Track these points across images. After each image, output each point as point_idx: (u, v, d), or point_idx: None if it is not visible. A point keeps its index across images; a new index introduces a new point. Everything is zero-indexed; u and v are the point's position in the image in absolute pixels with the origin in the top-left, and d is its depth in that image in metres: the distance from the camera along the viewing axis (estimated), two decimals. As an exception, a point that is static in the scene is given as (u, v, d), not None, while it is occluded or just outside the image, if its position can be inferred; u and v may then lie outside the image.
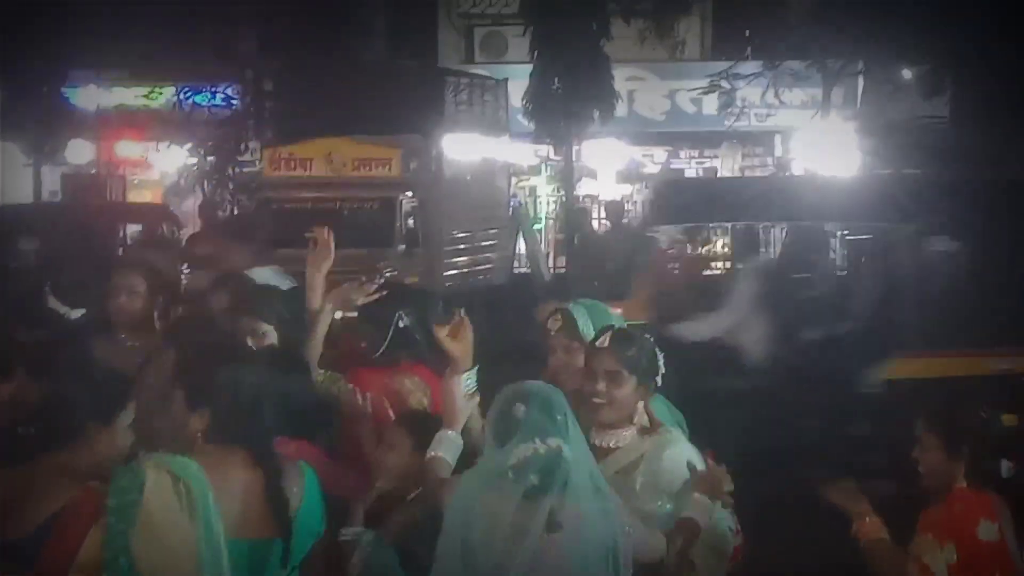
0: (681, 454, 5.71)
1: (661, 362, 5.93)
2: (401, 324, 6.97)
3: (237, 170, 25.78)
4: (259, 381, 4.81)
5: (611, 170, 29.39)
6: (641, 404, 5.83)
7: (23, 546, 4.19)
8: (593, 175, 28.86)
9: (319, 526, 4.86)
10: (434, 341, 6.20)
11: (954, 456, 5.40)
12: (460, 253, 23.11)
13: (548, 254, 27.71)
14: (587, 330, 6.21)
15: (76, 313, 8.16)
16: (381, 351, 6.97)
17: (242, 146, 26.09)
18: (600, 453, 5.68)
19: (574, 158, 26.03)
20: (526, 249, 25.64)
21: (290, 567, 4.75)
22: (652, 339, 6.03)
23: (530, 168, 29.47)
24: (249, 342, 6.63)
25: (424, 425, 6.10)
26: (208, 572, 4.29)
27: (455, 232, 22.95)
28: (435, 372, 6.59)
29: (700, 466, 5.65)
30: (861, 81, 27.12)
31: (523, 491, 5.07)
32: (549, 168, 29.17)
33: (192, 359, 4.86)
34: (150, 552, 4.27)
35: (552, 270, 26.12)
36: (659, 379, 5.91)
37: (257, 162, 24.38)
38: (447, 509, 5.19)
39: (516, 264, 25.88)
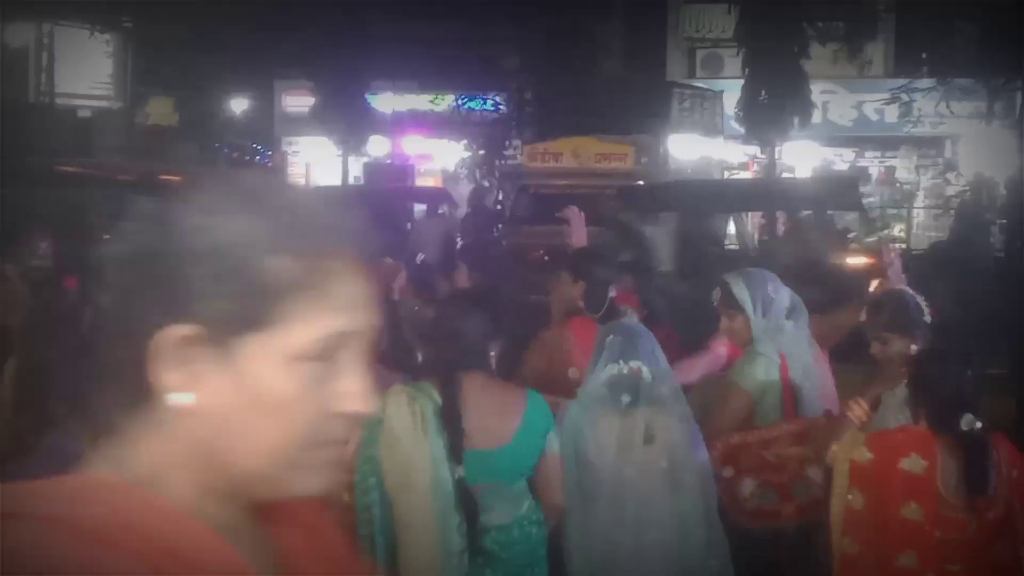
0: None
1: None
2: (611, 295, 6.66)
3: (502, 162, 26.09)
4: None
5: (807, 167, 29.15)
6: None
7: None
8: (792, 171, 28.67)
9: (540, 443, 4.82)
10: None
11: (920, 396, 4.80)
12: None
13: (754, 234, 27.56)
14: (743, 297, 5.97)
15: None
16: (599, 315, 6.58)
17: (506, 143, 26.44)
18: None
19: (776, 157, 25.82)
20: (735, 229, 25.45)
21: (522, 472, 4.84)
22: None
23: (739, 164, 29.34)
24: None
25: None
26: (439, 472, 4.45)
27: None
28: None
29: None
30: (1020, 96, 26.52)
31: (620, 409, 5.05)
32: (756, 165, 29.01)
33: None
34: (392, 457, 4.43)
35: (757, 247, 25.96)
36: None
37: (518, 156, 24.47)
38: (561, 433, 5.02)
39: (727, 243, 25.53)
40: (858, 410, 5.05)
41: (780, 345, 5.90)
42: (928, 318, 5.80)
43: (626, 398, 5.08)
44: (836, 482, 4.78)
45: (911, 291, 5.96)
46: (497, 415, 4.76)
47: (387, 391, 4.53)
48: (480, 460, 4.61)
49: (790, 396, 5.90)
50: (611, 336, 5.21)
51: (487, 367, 4.84)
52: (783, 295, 5.98)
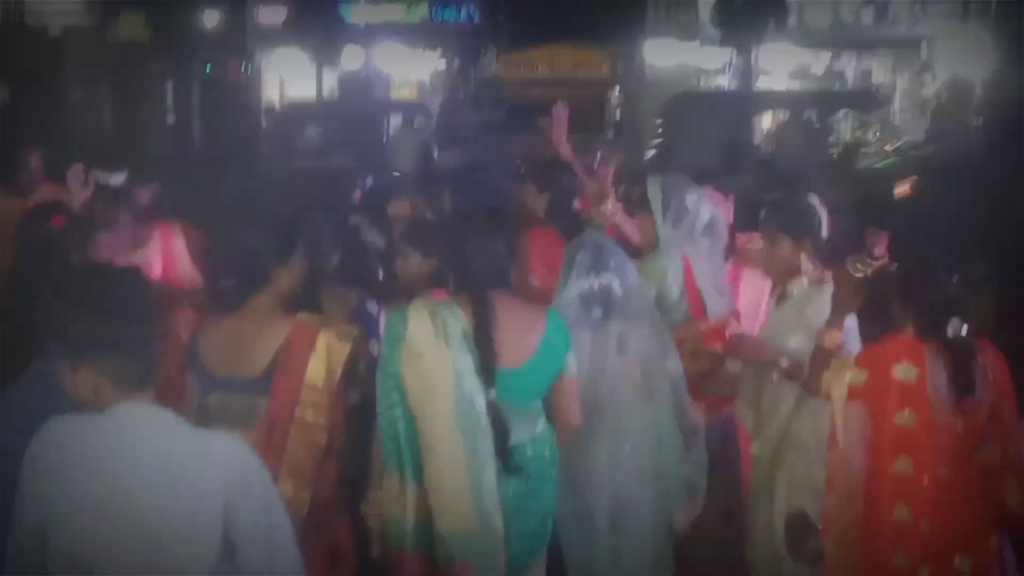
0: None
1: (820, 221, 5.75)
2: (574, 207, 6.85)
3: (476, 72, 25.90)
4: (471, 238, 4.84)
5: (784, 71, 29.07)
6: (804, 255, 5.60)
7: None
8: (768, 74, 28.60)
9: (558, 363, 4.83)
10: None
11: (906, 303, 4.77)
12: (658, 137, 22.99)
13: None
14: (655, 200, 6.06)
15: (118, 178, 7.60)
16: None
17: (481, 52, 26.19)
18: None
19: (753, 61, 25.78)
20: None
21: (538, 391, 4.85)
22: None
23: (716, 69, 29.27)
24: None
25: None
26: (462, 386, 4.48)
27: (654, 120, 22.85)
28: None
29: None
30: (995, -7, 26.45)
31: (592, 322, 5.10)
32: (731, 69, 28.94)
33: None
34: (413, 372, 4.45)
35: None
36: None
37: (493, 66, 24.49)
38: None
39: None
40: (832, 338, 5.01)
41: (686, 251, 5.99)
42: (825, 232, 5.79)
43: (598, 312, 5.13)
44: (836, 409, 4.83)
45: (816, 201, 5.97)
46: (518, 333, 4.76)
47: (408, 306, 4.59)
48: (499, 379, 4.64)
49: (696, 298, 6.00)
50: (580, 251, 5.23)
51: (509, 285, 4.85)
52: (703, 208, 6.04)
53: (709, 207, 6.07)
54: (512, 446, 4.70)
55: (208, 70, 27.36)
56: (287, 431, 4.37)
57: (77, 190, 6.38)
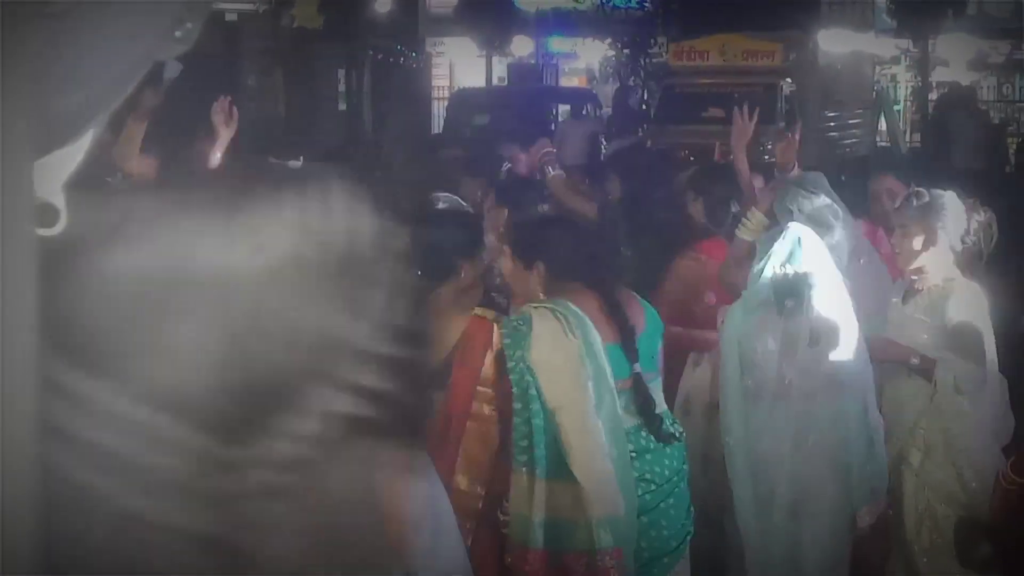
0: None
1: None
2: (733, 210, 6.62)
3: (647, 61, 25.70)
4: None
5: (961, 60, 28.44)
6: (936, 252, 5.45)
7: None
8: (945, 64, 28.05)
9: (658, 342, 4.93)
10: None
11: None
12: (831, 130, 22.56)
13: (905, 131, 26.96)
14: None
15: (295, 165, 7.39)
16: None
17: (651, 41, 25.99)
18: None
19: (930, 50, 25.21)
20: (887, 127, 24.91)
21: (656, 359, 4.91)
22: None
23: (891, 58, 28.78)
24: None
25: None
26: (591, 366, 4.43)
27: (827, 112, 22.49)
28: None
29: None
30: None
31: (784, 311, 5.06)
32: (907, 58, 28.40)
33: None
34: (548, 368, 4.40)
35: (908, 144, 25.44)
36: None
37: (663, 54, 24.18)
38: (722, 337, 5.27)
39: (878, 139, 25.12)
40: None
41: None
42: (968, 230, 5.54)
43: (790, 301, 5.09)
44: None
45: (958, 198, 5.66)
46: (629, 309, 4.87)
47: (526, 307, 4.58)
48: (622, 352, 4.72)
49: None
50: (776, 240, 5.19)
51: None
52: (806, 204, 5.79)
53: (815, 203, 5.86)
54: (659, 413, 4.78)
55: (413, 56, 27.44)
56: (463, 425, 4.42)
57: (222, 127, 6.34)
